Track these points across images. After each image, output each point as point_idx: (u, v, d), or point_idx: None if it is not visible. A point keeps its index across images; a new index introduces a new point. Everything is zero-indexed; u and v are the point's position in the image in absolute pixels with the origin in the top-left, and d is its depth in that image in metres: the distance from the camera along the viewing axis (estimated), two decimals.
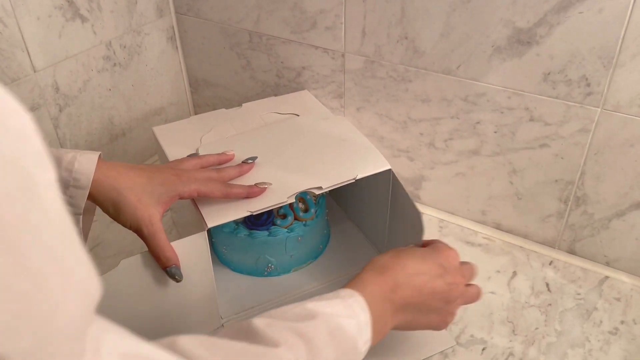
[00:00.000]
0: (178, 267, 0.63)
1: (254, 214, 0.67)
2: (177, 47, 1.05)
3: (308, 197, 0.80)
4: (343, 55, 0.86)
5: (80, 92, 0.89)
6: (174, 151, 0.79)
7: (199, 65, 1.06)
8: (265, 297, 0.78)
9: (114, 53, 0.93)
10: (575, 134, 0.73)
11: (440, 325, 0.62)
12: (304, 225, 0.79)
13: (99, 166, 0.59)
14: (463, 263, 0.64)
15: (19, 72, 0.80)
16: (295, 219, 0.79)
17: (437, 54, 0.78)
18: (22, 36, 0.78)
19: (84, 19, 0.86)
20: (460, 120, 0.81)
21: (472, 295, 0.64)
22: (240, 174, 0.71)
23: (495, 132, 0.79)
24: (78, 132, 0.92)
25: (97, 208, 0.63)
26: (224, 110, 0.89)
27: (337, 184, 0.71)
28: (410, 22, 0.77)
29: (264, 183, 0.69)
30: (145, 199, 0.60)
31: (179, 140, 0.82)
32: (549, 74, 0.71)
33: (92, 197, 0.59)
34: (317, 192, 0.70)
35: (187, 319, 0.70)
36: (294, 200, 0.71)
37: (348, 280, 0.58)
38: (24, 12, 0.78)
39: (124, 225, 0.60)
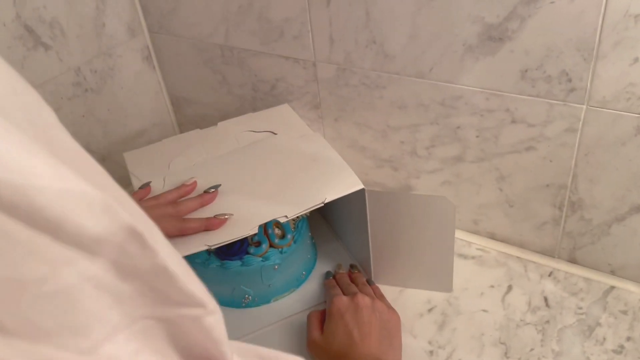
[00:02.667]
0: None
1: (212, 248, 0.63)
2: (154, 67, 1.02)
3: (284, 222, 0.75)
4: (314, 65, 0.82)
5: None
6: (141, 178, 0.76)
7: (178, 83, 1.03)
8: (244, 331, 0.73)
9: (84, 78, 0.91)
10: (562, 134, 0.67)
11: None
12: (280, 252, 0.73)
13: None
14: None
15: None
16: (271, 246, 0.73)
17: (407, 57, 0.72)
18: None
19: (47, 47, 0.84)
20: (440, 125, 0.76)
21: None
22: (202, 205, 0.68)
23: (477, 136, 0.73)
24: None
25: None
26: (198, 130, 0.86)
27: (304, 210, 0.67)
28: (377, 25, 0.72)
29: (224, 214, 0.65)
30: None
31: (148, 166, 0.79)
32: (526, 71, 0.65)
33: None
34: (283, 220, 0.66)
35: None
36: (257, 232, 0.67)
37: None
38: None
39: None
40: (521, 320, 0.71)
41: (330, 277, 0.76)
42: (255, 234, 0.71)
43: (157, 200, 0.67)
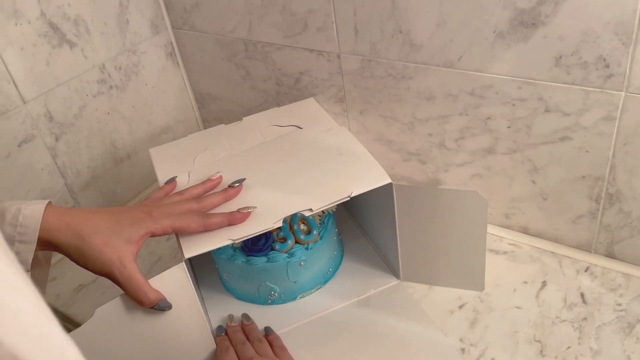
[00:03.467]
0: (165, 300, 0.59)
1: (235, 242, 0.62)
2: (178, 63, 1.02)
3: (310, 217, 0.72)
4: (338, 57, 0.80)
5: (76, 118, 0.88)
6: (166, 173, 0.75)
7: (202, 79, 1.02)
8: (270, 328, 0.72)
9: (109, 75, 0.91)
10: (599, 123, 0.64)
11: None
12: (306, 248, 0.71)
13: (61, 215, 0.56)
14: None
15: (7, 105, 0.78)
16: (297, 242, 0.71)
17: (435, 46, 0.70)
18: (6, 68, 0.77)
19: (72, 44, 0.84)
20: (470, 116, 0.73)
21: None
22: (226, 200, 0.67)
23: (509, 127, 0.71)
24: (78, 160, 0.90)
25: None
26: (223, 125, 0.85)
27: (329, 204, 0.65)
28: (403, 14, 0.70)
29: (248, 207, 0.64)
30: (113, 241, 0.56)
31: (172, 161, 0.78)
32: (560, 57, 0.62)
33: (56, 248, 0.56)
34: (308, 214, 0.64)
35: (180, 351, 0.66)
36: (282, 226, 0.65)
37: (361, 304, 0.61)
38: (6, 44, 0.76)
39: (93, 271, 0.57)
40: (557, 317, 0.68)
41: (222, 333, 0.69)
42: (280, 231, 0.70)
43: (182, 196, 0.66)
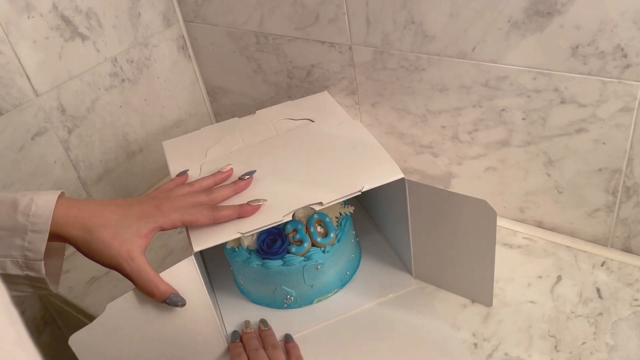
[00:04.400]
0: (177, 294, 0.59)
1: (245, 235, 0.61)
2: (189, 56, 1.02)
3: (327, 219, 0.71)
4: (350, 48, 0.79)
5: (88, 112, 0.88)
6: (178, 166, 0.75)
7: (213, 72, 1.02)
8: (284, 332, 0.70)
9: (121, 69, 0.91)
10: (616, 114, 0.63)
11: None
12: (323, 252, 0.69)
13: (70, 208, 0.56)
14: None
15: (21, 98, 0.79)
16: (313, 244, 0.70)
17: (448, 36, 0.69)
18: (19, 61, 0.77)
19: (84, 37, 0.84)
20: (484, 108, 0.72)
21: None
22: (236, 193, 0.66)
23: (524, 119, 0.70)
24: (91, 153, 0.90)
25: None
26: (236, 119, 0.85)
27: (340, 198, 0.64)
28: (415, 5, 0.69)
29: (258, 200, 0.64)
30: (121, 235, 0.56)
31: (185, 154, 0.78)
32: (577, 47, 0.61)
33: (66, 241, 0.56)
34: (318, 207, 0.64)
35: (192, 348, 0.66)
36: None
37: (379, 307, 0.60)
38: (18, 37, 0.76)
39: (102, 264, 0.57)
40: (572, 312, 0.67)
41: (237, 339, 0.68)
42: (296, 233, 0.69)
43: (192, 187, 0.66)
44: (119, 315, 0.58)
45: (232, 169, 0.70)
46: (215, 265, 0.80)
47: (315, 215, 0.70)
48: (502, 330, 0.66)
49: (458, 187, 0.82)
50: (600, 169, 0.68)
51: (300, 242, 0.69)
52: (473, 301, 0.70)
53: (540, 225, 0.78)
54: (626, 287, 0.68)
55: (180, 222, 0.60)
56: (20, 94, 0.79)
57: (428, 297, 0.71)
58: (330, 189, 0.65)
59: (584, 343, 0.63)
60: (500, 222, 0.80)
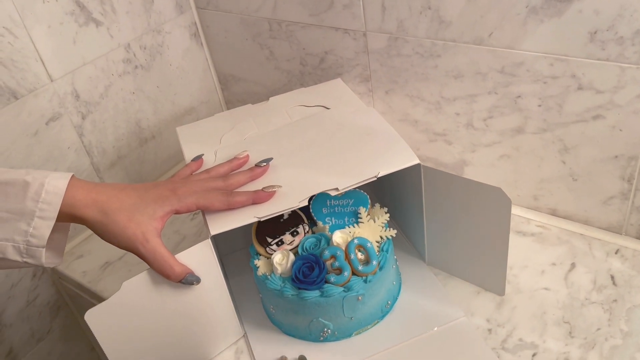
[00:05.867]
0: (192, 273, 0.59)
1: (262, 219, 0.61)
2: (202, 44, 1.02)
3: (369, 245, 0.64)
4: (365, 35, 0.79)
5: (102, 97, 0.88)
6: (193, 152, 0.75)
7: (226, 60, 1.02)
8: None
9: (134, 55, 0.91)
10: (634, 100, 0.62)
11: None
12: (365, 281, 0.64)
13: (89, 191, 0.57)
14: None
15: (35, 83, 0.79)
16: (354, 273, 0.64)
17: (465, 22, 0.69)
18: (34, 46, 0.78)
19: (98, 23, 0.84)
20: (499, 95, 0.72)
21: None
22: (252, 179, 0.66)
23: (540, 105, 0.69)
24: (104, 139, 0.90)
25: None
26: (250, 105, 0.85)
27: (356, 184, 0.64)
28: None
29: (272, 186, 0.64)
30: (137, 218, 0.57)
31: (199, 140, 0.78)
32: (595, 32, 0.60)
33: (82, 222, 0.57)
34: (333, 193, 0.64)
35: (207, 331, 0.66)
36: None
37: (423, 344, 0.54)
38: (34, 22, 0.77)
39: (118, 246, 0.57)
40: (586, 299, 0.67)
41: None
42: (335, 260, 0.64)
43: (209, 174, 0.66)
44: (135, 293, 0.58)
45: (248, 155, 0.70)
46: (242, 290, 0.76)
47: (356, 241, 0.65)
48: (516, 317, 0.66)
49: (471, 175, 0.82)
50: (616, 156, 0.67)
51: (340, 270, 0.64)
52: (486, 290, 0.70)
53: (554, 213, 0.78)
54: None
55: (195, 206, 0.60)
56: (35, 79, 0.79)
57: (477, 332, 0.65)
58: (346, 175, 0.65)
59: (598, 329, 0.63)
60: (514, 210, 0.80)
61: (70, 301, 0.95)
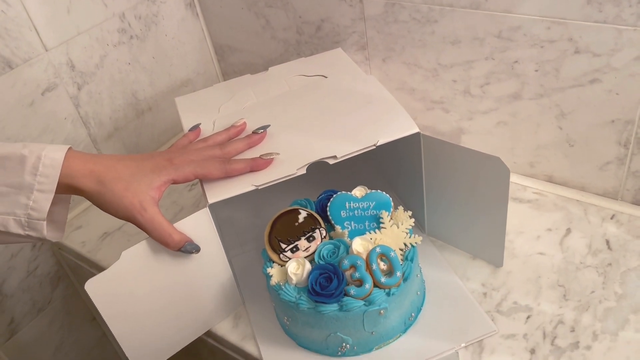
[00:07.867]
0: (191, 242, 0.60)
1: (259, 187, 0.61)
2: (197, 14, 1.01)
3: (392, 254, 0.59)
4: (361, 1, 0.78)
5: (97, 68, 0.88)
6: (191, 122, 0.75)
7: (221, 30, 1.01)
8: None
9: (129, 25, 0.90)
10: (631, 63, 0.62)
11: None
12: (387, 294, 0.59)
13: (87, 161, 0.57)
14: None
15: (30, 52, 0.78)
16: (375, 285, 0.59)
17: None
18: (28, 15, 0.77)
19: None
20: (496, 61, 0.72)
21: None
22: (249, 147, 0.66)
23: (537, 70, 0.69)
24: (101, 110, 0.90)
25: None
26: (249, 75, 0.84)
27: (355, 152, 0.63)
28: None
29: (270, 154, 0.64)
30: (134, 187, 0.57)
31: (198, 110, 0.78)
32: None
33: (79, 193, 0.57)
34: (332, 161, 0.63)
35: (207, 300, 0.67)
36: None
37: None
38: None
39: (116, 216, 0.58)
40: (581, 263, 0.67)
41: None
42: (355, 270, 0.59)
43: (206, 142, 0.66)
44: (134, 262, 0.59)
45: (245, 122, 0.70)
46: (254, 300, 0.72)
47: (378, 249, 0.59)
48: (511, 281, 0.67)
49: (468, 143, 0.82)
50: (612, 121, 0.67)
51: (360, 282, 0.59)
52: (486, 262, 0.70)
53: (550, 179, 0.78)
54: (636, 239, 0.69)
55: (192, 175, 0.61)
56: (29, 48, 0.78)
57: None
58: (345, 143, 0.64)
59: (592, 292, 0.64)
60: (511, 178, 0.80)
61: (70, 271, 0.95)
